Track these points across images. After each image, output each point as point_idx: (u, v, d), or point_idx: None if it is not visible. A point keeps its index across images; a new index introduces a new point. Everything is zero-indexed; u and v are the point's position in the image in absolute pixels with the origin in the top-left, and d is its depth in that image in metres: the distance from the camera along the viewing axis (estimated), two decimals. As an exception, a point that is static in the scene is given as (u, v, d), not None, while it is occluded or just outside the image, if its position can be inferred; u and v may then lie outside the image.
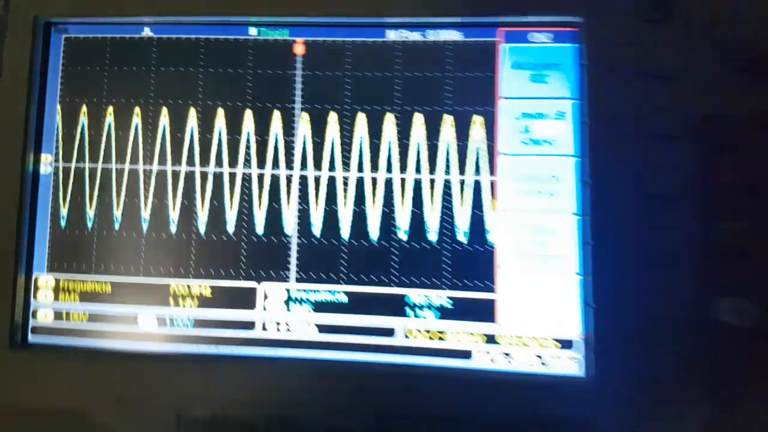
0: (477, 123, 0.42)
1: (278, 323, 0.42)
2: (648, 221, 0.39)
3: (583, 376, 0.39)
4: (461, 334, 0.41)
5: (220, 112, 0.43)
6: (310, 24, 0.43)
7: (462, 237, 0.41)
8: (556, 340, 0.40)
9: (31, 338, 0.43)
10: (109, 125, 0.44)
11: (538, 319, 0.40)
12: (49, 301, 0.43)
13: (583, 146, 0.40)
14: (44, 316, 0.43)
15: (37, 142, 0.44)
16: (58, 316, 0.43)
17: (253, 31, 0.44)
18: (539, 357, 0.40)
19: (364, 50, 0.43)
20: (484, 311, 0.41)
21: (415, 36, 0.43)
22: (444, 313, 0.41)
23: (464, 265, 0.41)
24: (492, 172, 0.42)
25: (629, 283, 0.38)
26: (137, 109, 0.44)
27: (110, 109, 0.44)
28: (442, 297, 0.41)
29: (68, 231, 0.43)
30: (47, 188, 0.44)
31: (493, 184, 0.42)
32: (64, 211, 0.43)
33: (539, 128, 0.41)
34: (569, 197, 0.41)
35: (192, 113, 0.43)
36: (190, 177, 0.43)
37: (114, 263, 0.43)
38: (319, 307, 0.42)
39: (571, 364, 0.40)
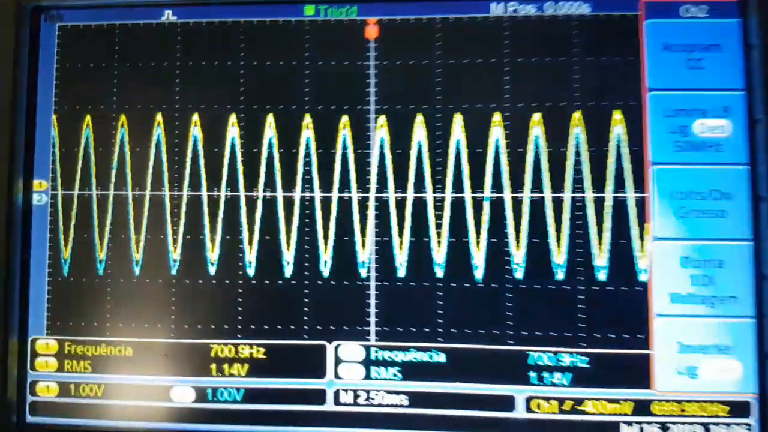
0: (617, 122, 0.38)
1: (356, 393, 0.38)
2: None
3: (758, 447, 0.36)
4: (604, 403, 0.37)
5: (270, 119, 0.40)
6: (386, -2, 0.39)
7: (602, 275, 0.37)
8: (724, 403, 0.36)
9: (30, 419, 0.40)
10: (122, 139, 0.40)
11: (702, 378, 0.36)
12: (52, 371, 0.40)
13: (755, 151, 0.37)
14: (46, 389, 0.40)
15: (27, 164, 0.40)
16: (64, 389, 0.40)
17: (309, 10, 0.40)
18: (703, 426, 0.36)
19: (460, 30, 0.39)
20: (633, 372, 0.37)
21: (528, 10, 0.39)
22: (579, 376, 0.37)
23: (605, 313, 0.37)
24: (640, 187, 0.37)
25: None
26: (159, 118, 0.40)
27: (122, 118, 0.41)
28: (576, 355, 0.37)
29: (72, 279, 0.40)
30: (42, 224, 0.40)
31: (642, 204, 0.37)
32: (66, 254, 0.40)
33: (700, 129, 0.37)
34: (741, 218, 0.37)
35: (232, 120, 0.40)
36: (232, 204, 0.40)
37: (135, 319, 0.40)
38: (409, 371, 0.38)
39: (744, 434, 0.36)
